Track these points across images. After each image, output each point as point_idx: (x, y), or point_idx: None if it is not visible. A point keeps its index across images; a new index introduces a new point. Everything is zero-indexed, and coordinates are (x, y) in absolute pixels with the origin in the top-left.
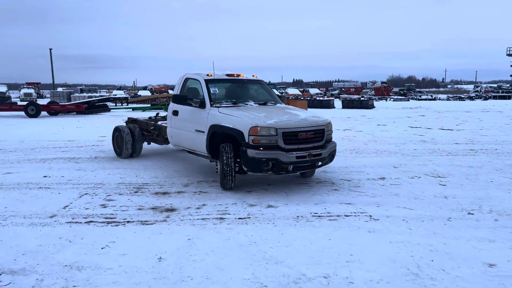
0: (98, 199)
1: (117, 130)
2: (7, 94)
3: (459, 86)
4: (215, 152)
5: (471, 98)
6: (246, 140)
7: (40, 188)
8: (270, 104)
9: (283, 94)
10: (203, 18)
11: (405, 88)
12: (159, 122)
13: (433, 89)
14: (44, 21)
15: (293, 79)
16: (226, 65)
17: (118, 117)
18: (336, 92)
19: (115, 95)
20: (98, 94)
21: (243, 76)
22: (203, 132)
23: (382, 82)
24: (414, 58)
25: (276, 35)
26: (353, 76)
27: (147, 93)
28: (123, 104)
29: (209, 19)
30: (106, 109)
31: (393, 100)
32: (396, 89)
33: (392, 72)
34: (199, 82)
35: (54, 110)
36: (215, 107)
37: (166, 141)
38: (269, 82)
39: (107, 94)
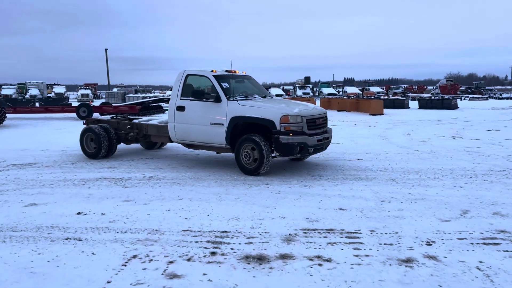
0: (154, 271)
1: (88, 130)
2: (66, 95)
3: None
4: (234, 143)
5: None
6: (278, 128)
7: (67, 239)
8: (268, 97)
9: (340, 92)
10: (252, 18)
11: (472, 86)
12: (135, 121)
13: (507, 87)
14: (101, 24)
15: (344, 78)
16: (275, 64)
17: None
18: (400, 90)
19: (169, 95)
20: (152, 95)
21: (238, 72)
22: (221, 124)
23: (447, 80)
24: (474, 54)
25: (325, 33)
26: (406, 74)
27: None
28: None
29: (258, 19)
30: (160, 110)
31: (469, 99)
32: (462, 87)
33: (450, 70)
34: (207, 78)
35: (106, 111)
36: (232, 100)
37: (147, 139)
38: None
39: (161, 94)
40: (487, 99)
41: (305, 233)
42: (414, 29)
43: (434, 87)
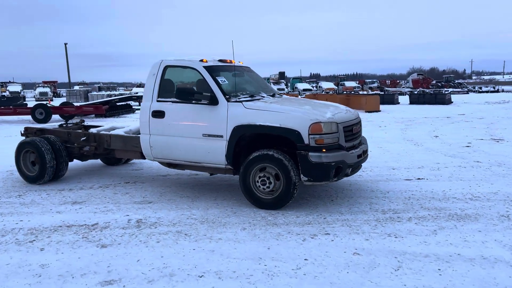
0: None
1: (27, 145)
2: (22, 93)
3: (490, 77)
4: (237, 162)
5: None
6: (306, 141)
7: None
8: (278, 96)
9: (315, 88)
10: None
11: (443, 80)
12: (92, 130)
13: (469, 81)
14: (58, 19)
15: (310, 73)
16: (242, 59)
17: None
18: (375, 85)
19: (136, 93)
20: (118, 93)
21: (235, 62)
22: (220, 136)
23: (419, 74)
24: (434, 49)
25: (291, 29)
26: (370, 69)
27: None
28: None
29: (226, 15)
30: (129, 110)
31: (450, 93)
32: (433, 81)
33: (413, 64)
34: (196, 71)
35: (68, 113)
36: (234, 101)
37: (109, 154)
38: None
39: (127, 92)
40: (467, 93)
41: None
42: (376, 25)
43: (405, 81)
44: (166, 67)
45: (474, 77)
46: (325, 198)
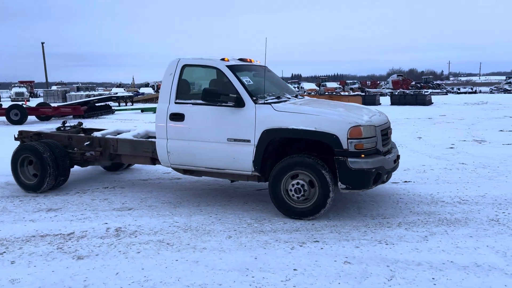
0: None
1: (25, 150)
2: None
3: (466, 78)
4: (265, 168)
5: None
6: (345, 146)
7: None
8: (300, 97)
9: (297, 89)
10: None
11: (421, 81)
12: (96, 134)
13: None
14: (37, 18)
15: (292, 74)
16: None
17: (126, 121)
18: (357, 86)
19: (116, 93)
20: (97, 93)
21: (254, 61)
22: (247, 141)
23: (398, 75)
24: (412, 51)
25: (272, 28)
26: (350, 70)
27: (150, 90)
28: (128, 104)
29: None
30: (109, 110)
31: (430, 94)
32: (413, 82)
33: (392, 65)
34: (218, 71)
35: (44, 114)
36: (262, 104)
37: (113, 159)
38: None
39: (106, 92)
40: (446, 94)
41: None
42: (356, 26)
43: (385, 82)
44: (184, 67)
45: (451, 78)
46: None
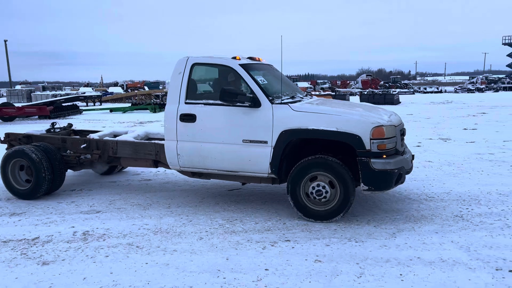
0: None
1: (17, 155)
2: None
3: (432, 78)
4: (281, 170)
5: (480, 90)
6: (368, 147)
7: None
8: (309, 96)
9: None
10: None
11: (390, 80)
12: (92, 136)
13: (414, 81)
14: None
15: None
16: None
17: (94, 121)
18: (327, 86)
19: (84, 93)
20: (64, 92)
21: (262, 60)
22: (264, 142)
23: (367, 75)
24: (381, 51)
25: (241, 29)
26: (321, 70)
27: (119, 90)
28: (96, 104)
29: (175, 13)
30: (76, 111)
31: (397, 93)
32: (381, 82)
33: (362, 66)
34: (231, 70)
35: (7, 114)
36: (279, 104)
37: (112, 163)
38: None
39: (74, 92)
40: (413, 93)
41: None
42: (328, 27)
43: (355, 82)
44: (193, 65)
45: (418, 78)
46: (283, 202)
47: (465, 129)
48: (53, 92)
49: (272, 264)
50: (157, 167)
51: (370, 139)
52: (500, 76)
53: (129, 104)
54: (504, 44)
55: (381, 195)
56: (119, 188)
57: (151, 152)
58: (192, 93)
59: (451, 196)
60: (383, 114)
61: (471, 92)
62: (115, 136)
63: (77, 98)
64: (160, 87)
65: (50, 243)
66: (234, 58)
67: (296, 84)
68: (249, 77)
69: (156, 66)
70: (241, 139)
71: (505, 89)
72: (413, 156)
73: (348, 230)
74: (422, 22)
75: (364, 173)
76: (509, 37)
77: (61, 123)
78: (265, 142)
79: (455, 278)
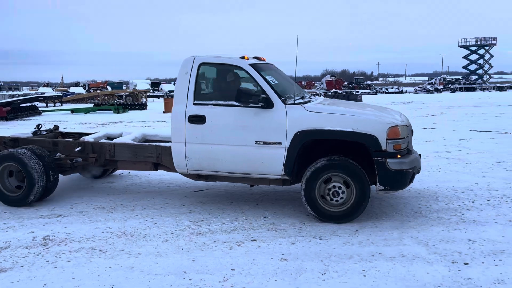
0: None
1: (7, 159)
2: None
3: (394, 79)
4: (294, 171)
5: (438, 91)
6: (384, 147)
7: None
8: (316, 97)
9: None
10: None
11: (353, 81)
12: (86, 138)
13: (376, 82)
14: None
15: None
16: (159, 59)
17: (54, 123)
18: None
19: (43, 93)
20: (22, 93)
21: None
22: (278, 143)
23: (332, 76)
24: (343, 53)
25: (208, 29)
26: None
27: (80, 90)
28: (56, 105)
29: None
30: (35, 112)
31: (360, 94)
32: (345, 83)
33: (326, 67)
34: (240, 69)
35: None
36: (292, 104)
37: (107, 166)
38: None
39: (32, 92)
40: (376, 94)
41: None
42: (292, 28)
43: (320, 82)
44: (201, 65)
45: (380, 79)
46: (250, 202)
47: (424, 128)
48: (10, 93)
49: (238, 264)
50: (156, 170)
51: (386, 139)
52: (457, 77)
53: (92, 105)
54: (460, 46)
55: None
56: (81, 191)
57: (151, 154)
58: (200, 93)
59: (411, 193)
60: (395, 114)
61: (430, 93)
62: (108, 138)
63: (36, 99)
64: (124, 87)
65: (8, 250)
66: (242, 57)
67: None
68: (260, 77)
69: (122, 65)
70: (253, 141)
71: (461, 89)
72: (419, 155)
73: (313, 228)
74: (384, 25)
75: (381, 173)
76: (465, 40)
77: (19, 124)
78: (279, 143)
79: (414, 272)
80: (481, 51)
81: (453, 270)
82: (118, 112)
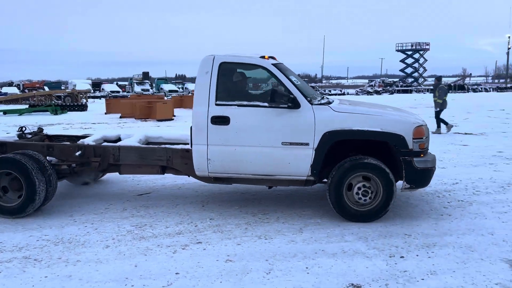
0: None
1: (6, 163)
2: None
3: (337, 81)
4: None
5: (377, 92)
6: (410, 147)
7: None
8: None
9: (181, 89)
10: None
11: None
12: (85, 141)
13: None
14: None
15: (176, 74)
16: (105, 59)
17: None
18: None
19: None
20: None
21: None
22: (305, 144)
23: None
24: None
25: (159, 29)
26: None
27: (14, 90)
28: None
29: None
30: None
31: None
32: None
33: None
34: (262, 69)
35: None
36: (319, 104)
37: (108, 171)
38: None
39: None
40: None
41: None
42: (240, 30)
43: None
44: (221, 64)
45: (324, 81)
46: (195, 204)
47: None
48: None
49: (183, 267)
50: (163, 173)
51: (412, 138)
52: (395, 79)
53: (27, 106)
54: (397, 50)
55: (287, 192)
56: None
57: (161, 157)
58: (222, 93)
59: None
60: (412, 114)
61: (370, 95)
62: (105, 141)
63: None
64: (63, 87)
65: None
66: (263, 57)
67: None
68: (284, 77)
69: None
70: (280, 142)
71: (398, 91)
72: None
73: (259, 228)
74: (327, 28)
75: (408, 172)
76: (401, 44)
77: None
78: (307, 144)
79: (354, 267)
80: (416, 55)
81: (390, 263)
82: (56, 114)
